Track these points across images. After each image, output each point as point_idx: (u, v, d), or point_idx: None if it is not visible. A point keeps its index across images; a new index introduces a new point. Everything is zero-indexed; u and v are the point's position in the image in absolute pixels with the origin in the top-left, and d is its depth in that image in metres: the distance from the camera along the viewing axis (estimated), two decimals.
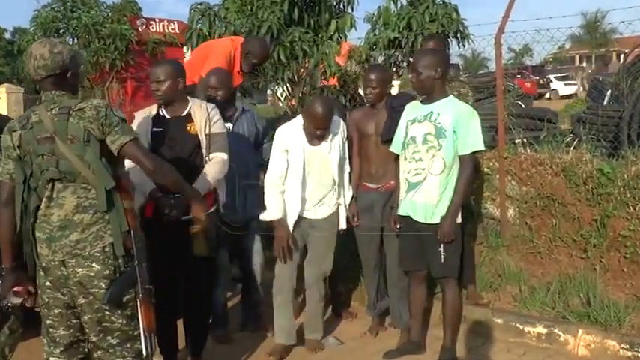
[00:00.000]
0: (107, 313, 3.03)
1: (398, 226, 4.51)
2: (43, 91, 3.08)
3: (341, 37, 7.93)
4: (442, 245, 4.20)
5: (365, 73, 5.24)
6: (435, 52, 4.58)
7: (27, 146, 3.02)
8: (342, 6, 8.18)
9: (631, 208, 5.43)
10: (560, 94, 32.12)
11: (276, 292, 4.73)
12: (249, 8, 7.63)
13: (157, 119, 4.07)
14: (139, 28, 9.43)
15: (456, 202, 4.20)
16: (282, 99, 8.15)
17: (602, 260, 5.47)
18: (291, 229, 4.60)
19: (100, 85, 9.07)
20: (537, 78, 33.20)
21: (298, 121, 4.57)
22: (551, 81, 34.58)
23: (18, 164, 3.05)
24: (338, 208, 4.79)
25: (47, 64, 3.00)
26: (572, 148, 6.18)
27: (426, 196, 4.24)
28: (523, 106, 12.80)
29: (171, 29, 9.62)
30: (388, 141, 4.60)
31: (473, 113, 4.25)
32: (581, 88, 28.55)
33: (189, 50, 8.22)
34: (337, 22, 7.85)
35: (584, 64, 40.53)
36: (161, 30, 9.59)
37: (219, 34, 7.33)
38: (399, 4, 7.96)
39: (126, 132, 3.05)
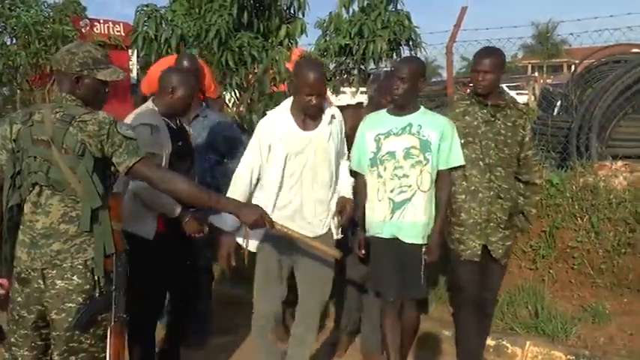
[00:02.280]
0: (77, 332, 2.86)
1: (362, 252, 4.10)
2: (59, 91, 2.99)
3: (291, 43, 7.80)
4: (423, 266, 3.93)
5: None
6: (420, 61, 4.24)
7: (22, 143, 2.88)
8: (292, 11, 8.06)
9: (579, 219, 5.47)
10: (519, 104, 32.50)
11: (257, 335, 4.07)
12: (197, 11, 7.46)
13: (171, 130, 3.84)
14: (83, 30, 9.15)
15: (442, 219, 3.97)
16: (230, 105, 7.98)
17: (551, 271, 5.51)
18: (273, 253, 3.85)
19: (40, 88, 8.76)
20: None
21: (284, 105, 3.86)
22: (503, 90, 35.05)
23: (10, 157, 2.90)
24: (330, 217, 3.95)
25: (73, 58, 2.93)
26: None
27: (415, 214, 3.89)
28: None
29: (117, 31, 9.37)
30: None
31: (454, 126, 3.98)
32: (533, 98, 29.00)
33: (135, 53, 8.02)
34: (287, 27, 7.73)
35: (536, 74, 41.17)
36: (106, 32, 9.34)
37: (166, 38, 7.14)
38: (350, 11, 7.90)
39: (132, 151, 2.89)
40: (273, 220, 3.40)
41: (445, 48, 6.17)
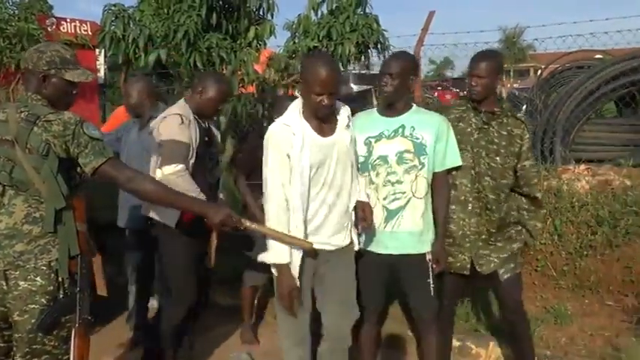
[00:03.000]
0: (40, 334, 2.82)
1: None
2: (25, 90, 2.97)
3: (260, 45, 7.81)
4: (431, 276, 3.64)
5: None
6: (411, 56, 3.85)
7: None
8: (261, 12, 8.06)
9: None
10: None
11: None
12: (165, 12, 7.43)
13: (199, 127, 3.91)
14: (49, 28, 9.03)
15: (444, 224, 3.70)
16: None
17: None
18: (297, 269, 3.36)
19: (4, 87, 8.64)
20: (458, 90, 33.87)
21: (294, 108, 3.34)
22: None
23: None
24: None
25: (41, 57, 2.92)
26: None
27: (412, 222, 3.61)
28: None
29: (84, 30, 9.26)
30: None
31: (449, 124, 3.70)
32: None
33: (102, 53, 7.95)
34: (256, 28, 7.72)
35: (503, 78, 41.53)
36: (72, 31, 9.23)
37: (134, 38, 7.09)
38: (319, 13, 7.91)
39: (98, 152, 2.87)
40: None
41: (413, 51, 6.21)
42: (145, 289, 4.82)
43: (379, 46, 8.00)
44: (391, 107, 3.68)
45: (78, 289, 2.90)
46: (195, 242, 3.96)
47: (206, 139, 3.91)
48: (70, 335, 2.90)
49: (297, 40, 7.87)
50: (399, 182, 3.61)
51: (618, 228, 5.34)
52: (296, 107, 3.31)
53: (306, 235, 3.29)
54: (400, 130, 3.63)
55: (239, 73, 7.27)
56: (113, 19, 7.29)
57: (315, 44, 7.49)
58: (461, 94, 33.96)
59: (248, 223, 3.27)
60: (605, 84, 7.40)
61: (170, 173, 3.59)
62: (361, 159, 3.67)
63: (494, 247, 3.84)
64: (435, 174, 3.67)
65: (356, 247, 3.59)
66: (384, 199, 3.63)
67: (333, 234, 3.43)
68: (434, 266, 3.65)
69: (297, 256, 3.31)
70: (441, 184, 3.70)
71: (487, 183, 3.79)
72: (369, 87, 12.16)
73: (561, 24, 6.48)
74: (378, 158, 3.65)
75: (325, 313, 3.52)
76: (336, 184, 3.37)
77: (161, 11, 7.45)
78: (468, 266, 3.85)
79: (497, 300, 4.09)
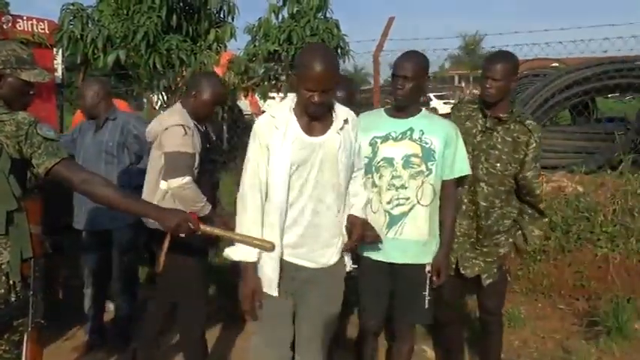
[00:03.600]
0: None
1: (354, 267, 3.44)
2: None
3: (220, 47, 7.81)
4: (428, 288, 3.42)
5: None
6: (424, 56, 3.47)
7: None
8: (222, 15, 8.06)
9: None
10: (440, 112, 33.22)
11: None
12: (124, 12, 7.39)
13: (200, 133, 3.75)
14: (4, 26, 8.87)
15: (449, 235, 3.48)
16: (157, 108, 7.91)
17: None
18: (274, 279, 3.00)
19: None
20: None
21: (286, 102, 3.07)
22: (431, 99, 35.75)
23: None
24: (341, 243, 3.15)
25: None
26: None
27: (415, 230, 3.38)
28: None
29: (41, 29, 9.09)
30: None
31: (458, 131, 3.47)
32: None
33: (60, 52, 7.84)
34: (217, 31, 7.73)
35: (463, 84, 42.11)
36: (29, 29, 9.06)
37: (92, 38, 7.03)
38: (280, 17, 7.95)
39: (51, 153, 2.78)
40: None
41: (372, 56, 6.25)
42: (102, 292, 4.78)
43: (340, 50, 8.08)
44: (401, 110, 3.42)
45: (31, 292, 2.85)
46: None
47: (207, 145, 3.86)
48: (23, 340, 2.85)
49: (257, 44, 7.90)
50: (403, 187, 3.37)
51: (570, 233, 5.44)
52: (288, 101, 3.06)
53: (282, 247, 2.97)
54: (409, 132, 3.39)
55: None
56: (71, 18, 7.24)
57: (276, 48, 7.53)
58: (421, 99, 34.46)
59: (207, 228, 3.18)
60: (560, 92, 7.56)
61: (177, 186, 3.53)
62: (365, 160, 3.38)
63: (480, 252, 3.74)
64: (443, 182, 3.42)
65: (348, 268, 3.20)
66: (388, 203, 3.39)
67: (316, 250, 3.03)
68: (434, 278, 3.42)
69: (271, 263, 2.98)
70: (449, 193, 3.46)
71: (481, 189, 3.64)
72: None
73: (517, 33, 6.59)
74: (382, 160, 3.40)
75: (297, 347, 3.17)
76: (319, 193, 2.98)
77: (120, 12, 7.41)
78: (453, 267, 3.72)
79: (478, 301, 4.00)
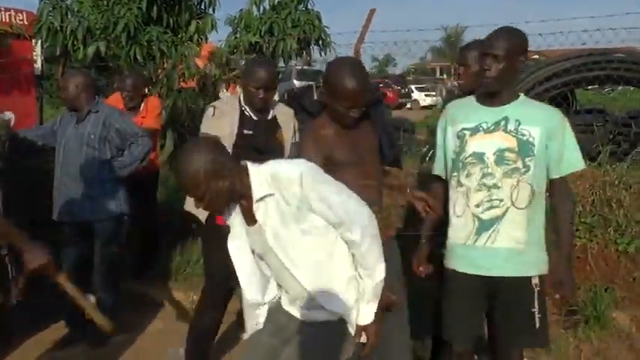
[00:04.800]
0: None
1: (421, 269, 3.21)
2: None
3: (201, 39, 7.78)
4: (537, 304, 2.94)
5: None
6: (520, 34, 2.93)
7: None
8: (203, 6, 8.04)
9: None
10: (421, 104, 33.33)
11: None
12: (104, 3, 7.34)
13: (243, 118, 3.60)
14: None
15: (568, 241, 3.00)
16: None
17: None
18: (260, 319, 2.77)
19: None
20: (399, 88, 34.29)
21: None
22: (412, 91, 35.82)
23: None
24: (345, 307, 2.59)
25: None
26: (427, 158, 6.34)
27: (510, 238, 2.88)
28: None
29: (19, 20, 8.99)
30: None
31: (565, 120, 2.94)
32: (440, 99, 29.82)
33: (39, 44, 7.78)
34: (198, 22, 7.69)
35: (445, 76, 42.23)
36: (7, 20, 8.97)
37: (72, 29, 6.97)
38: (261, 8, 7.94)
39: None
40: None
41: (353, 49, 6.26)
42: (82, 285, 4.76)
43: (321, 42, 8.08)
44: (493, 95, 2.94)
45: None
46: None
47: (249, 132, 3.61)
48: None
49: (238, 35, 7.88)
50: (496, 187, 2.89)
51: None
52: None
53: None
54: (503, 123, 2.91)
55: (180, 67, 7.22)
56: (50, 9, 7.17)
57: (257, 40, 7.52)
58: (402, 91, 34.50)
59: (62, 281, 3.04)
60: (540, 84, 7.60)
61: None
62: (452, 155, 3.04)
63: None
64: (551, 181, 2.94)
65: (351, 329, 2.63)
66: (477, 206, 2.92)
67: (293, 304, 2.70)
68: (556, 296, 3.05)
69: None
70: (559, 194, 2.96)
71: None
72: (310, 83, 12.22)
73: (496, 24, 6.62)
74: (471, 155, 2.95)
75: None
76: (277, 278, 2.69)
77: (100, 3, 7.36)
78: None
79: None
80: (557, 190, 2.94)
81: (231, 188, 2.44)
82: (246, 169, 2.50)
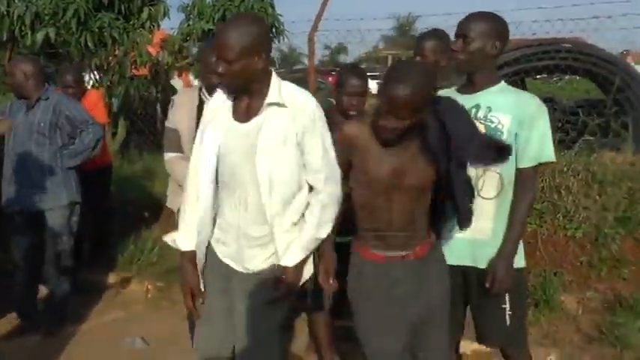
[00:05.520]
0: None
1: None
2: None
3: (153, 26, 7.69)
4: (508, 300, 2.83)
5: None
6: (494, 17, 2.82)
7: None
8: None
9: None
10: (374, 92, 33.49)
11: None
12: None
13: (202, 109, 3.50)
14: None
15: (514, 235, 2.78)
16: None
17: None
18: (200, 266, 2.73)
19: None
20: None
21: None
22: None
23: None
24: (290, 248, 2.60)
25: None
26: None
27: (474, 228, 2.71)
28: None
29: None
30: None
31: (541, 108, 2.78)
32: None
33: None
34: (150, 9, 7.59)
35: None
36: None
37: (19, 15, 6.82)
38: None
39: None
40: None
41: (307, 36, 6.26)
42: (35, 275, 4.69)
43: (274, 30, 8.07)
44: (470, 82, 2.86)
45: None
46: None
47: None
48: None
49: (191, 23, 7.81)
50: None
51: None
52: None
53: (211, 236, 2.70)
54: (474, 110, 2.79)
55: (131, 54, 7.13)
56: None
57: (210, 27, 7.46)
58: None
59: None
60: None
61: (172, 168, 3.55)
62: None
63: None
64: (517, 171, 2.78)
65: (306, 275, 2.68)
66: None
67: (243, 253, 2.65)
68: (486, 284, 2.80)
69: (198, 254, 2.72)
70: (521, 185, 2.78)
71: None
72: None
73: (451, 14, 6.71)
74: None
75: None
76: (233, 190, 2.60)
77: None
78: None
79: None
80: (519, 180, 2.78)
81: (257, 72, 2.45)
82: (271, 71, 2.53)
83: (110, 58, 7.32)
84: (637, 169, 5.26)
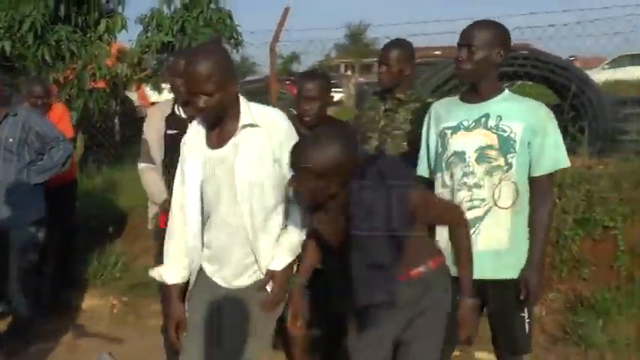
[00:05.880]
0: None
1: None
2: None
3: (111, 38, 7.63)
4: (526, 309, 2.87)
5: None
6: (496, 25, 2.84)
7: None
8: (111, 5, 7.88)
9: None
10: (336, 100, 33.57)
11: None
12: (8, 1, 7.06)
13: (171, 119, 3.55)
14: None
15: (541, 244, 2.81)
16: None
17: None
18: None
19: None
20: None
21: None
22: None
23: None
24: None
25: None
26: None
27: (492, 238, 2.77)
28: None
29: None
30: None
31: (550, 114, 2.82)
32: (348, 95, 30.16)
33: None
34: (107, 21, 7.53)
35: (349, 72, 42.69)
36: None
37: None
38: (172, 7, 7.85)
39: None
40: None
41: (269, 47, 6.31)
42: None
43: (232, 41, 8.09)
44: (475, 91, 2.85)
45: None
46: None
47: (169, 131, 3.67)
48: None
49: (149, 35, 7.77)
50: (477, 186, 2.78)
51: None
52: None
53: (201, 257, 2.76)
54: (483, 119, 2.80)
55: (89, 67, 7.07)
56: None
57: (170, 39, 7.44)
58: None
59: None
60: (445, 83, 7.84)
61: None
62: (435, 155, 2.99)
63: None
64: (531, 179, 2.80)
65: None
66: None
67: (228, 273, 2.71)
68: (521, 297, 2.81)
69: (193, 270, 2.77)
70: (538, 194, 2.79)
71: None
72: None
73: (396, 25, 6.90)
74: (453, 155, 2.86)
75: None
76: (221, 211, 2.65)
77: (4, 0, 7.08)
78: None
79: None
80: (536, 189, 2.79)
81: (228, 101, 2.51)
82: (238, 95, 2.58)
83: (68, 71, 7.23)
84: (594, 172, 5.39)
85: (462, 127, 2.83)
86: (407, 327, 2.55)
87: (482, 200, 2.76)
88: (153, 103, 13.75)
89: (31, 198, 4.33)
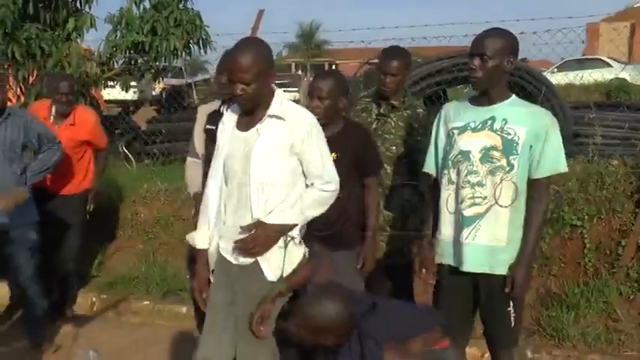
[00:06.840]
0: None
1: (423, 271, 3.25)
2: None
3: (79, 36, 7.57)
4: (512, 304, 3.03)
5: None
6: (507, 34, 3.00)
7: None
8: (79, 4, 7.81)
9: None
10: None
11: None
12: None
13: (212, 116, 3.66)
14: None
15: (533, 242, 2.98)
16: (15, 100, 7.54)
17: None
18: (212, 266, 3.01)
19: None
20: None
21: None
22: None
23: None
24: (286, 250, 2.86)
25: None
26: None
27: (491, 235, 2.96)
28: None
29: None
30: None
31: (554, 121, 2.98)
32: (300, 96, 30.18)
33: None
34: (76, 20, 7.47)
35: (300, 72, 42.71)
36: None
37: None
38: (141, 7, 7.83)
39: None
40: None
41: None
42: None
43: (201, 42, 8.11)
44: (484, 95, 3.03)
45: None
46: None
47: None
48: None
49: (119, 34, 7.73)
50: (479, 184, 2.97)
51: None
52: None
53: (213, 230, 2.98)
54: (490, 122, 2.98)
55: (59, 65, 7.02)
56: None
57: (141, 39, 7.43)
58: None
59: None
60: (415, 84, 8.00)
61: None
62: (443, 153, 3.16)
63: (387, 234, 3.84)
64: (530, 181, 2.97)
65: (270, 277, 2.84)
66: (461, 202, 3.02)
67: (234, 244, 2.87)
68: (506, 290, 2.97)
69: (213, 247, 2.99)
70: (535, 196, 2.97)
71: (384, 171, 3.76)
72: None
73: (356, 30, 7.08)
74: (459, 154, 3.03)
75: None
76: (235, 192, 2.86)
77: None
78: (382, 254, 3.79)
79: None
80: (534, 191, 2.96)
81: (263, 92, 2.77)
82: (274, 90, 2.85)
83: (38, 70, 7.16)
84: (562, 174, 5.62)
85: (469, 127, 3.02)
86: None
87: (484, 198, 2.95)
88: (107, 102, 13.63)
89: (30, 199, 4.32)
